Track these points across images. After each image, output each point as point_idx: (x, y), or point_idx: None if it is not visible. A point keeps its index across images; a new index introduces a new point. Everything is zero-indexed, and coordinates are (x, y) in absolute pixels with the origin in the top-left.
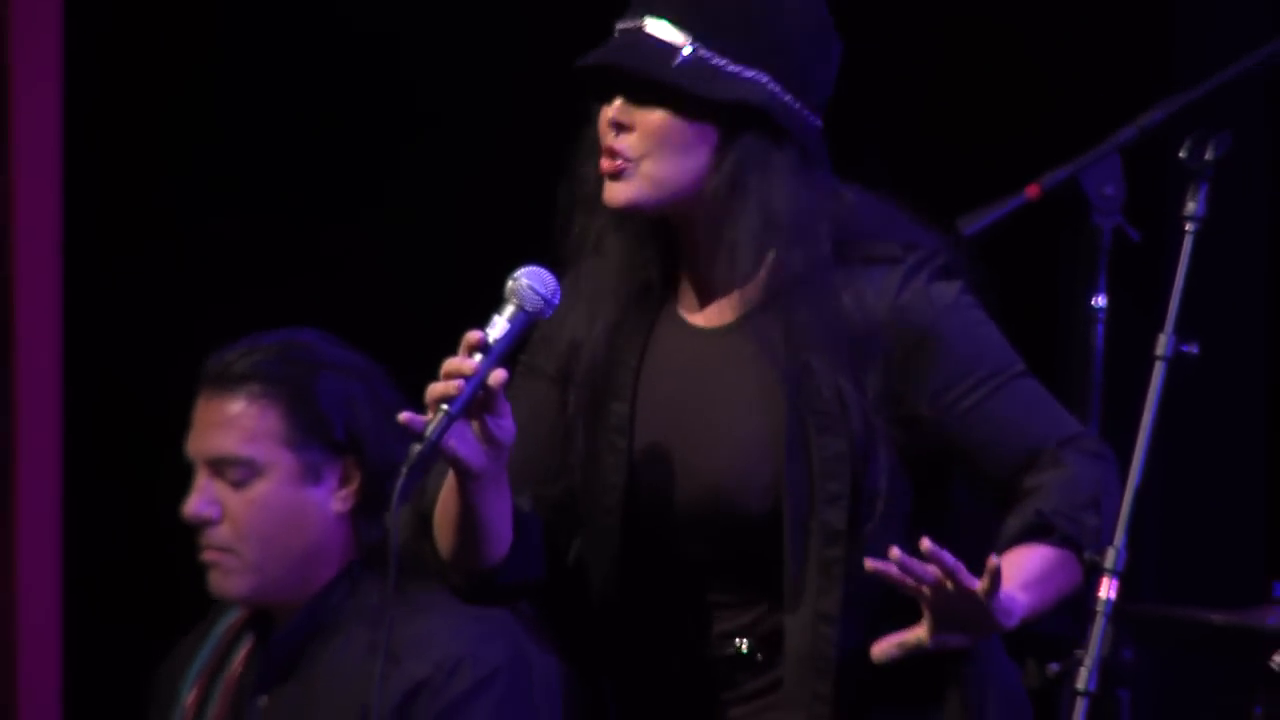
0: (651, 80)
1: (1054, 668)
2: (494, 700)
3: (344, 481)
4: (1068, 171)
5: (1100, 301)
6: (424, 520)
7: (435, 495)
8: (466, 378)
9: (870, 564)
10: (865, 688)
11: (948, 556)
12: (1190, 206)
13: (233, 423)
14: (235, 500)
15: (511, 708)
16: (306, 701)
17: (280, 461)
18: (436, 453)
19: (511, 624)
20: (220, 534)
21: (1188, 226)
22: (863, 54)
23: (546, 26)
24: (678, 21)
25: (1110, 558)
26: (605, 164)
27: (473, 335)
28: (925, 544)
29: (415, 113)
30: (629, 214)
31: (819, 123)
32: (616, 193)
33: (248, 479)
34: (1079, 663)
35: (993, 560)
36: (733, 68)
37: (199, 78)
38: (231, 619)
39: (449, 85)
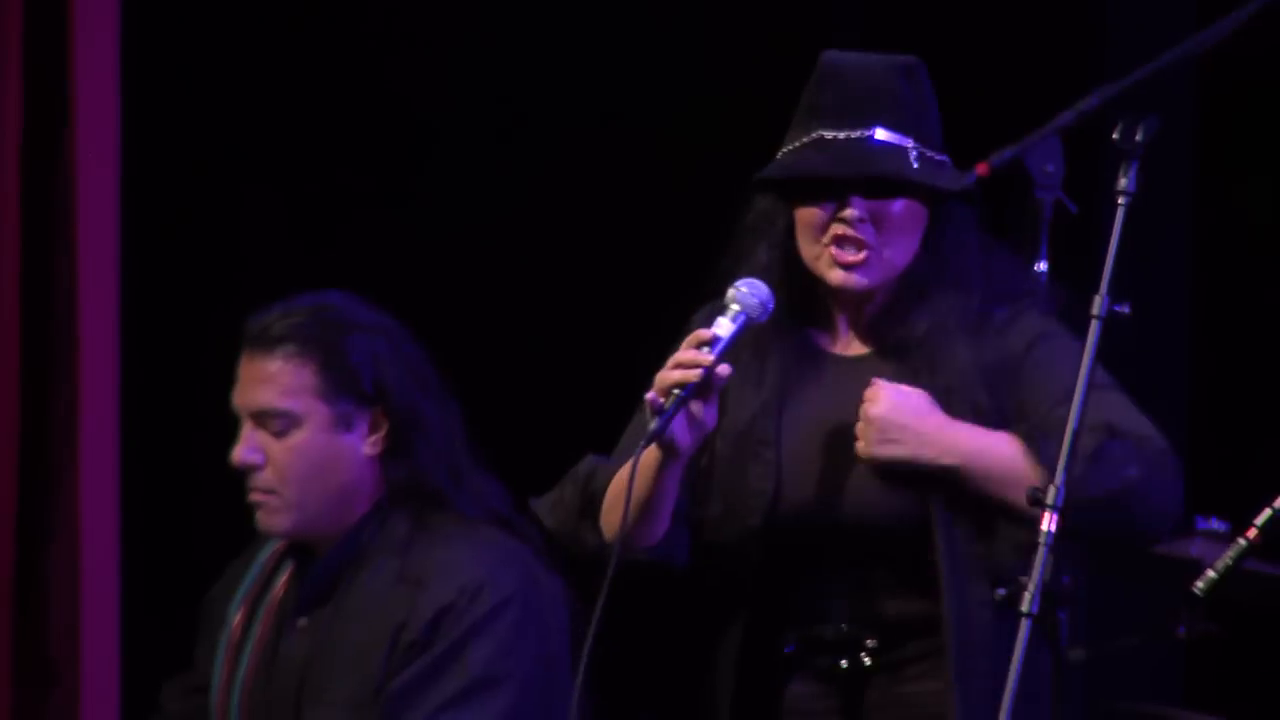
0: (899, 180)
1: (1000, 592)
2: (511, 620)
3: (373, 429)
4: (1013, 151)
5: (1042, 266)
6: (590, 501)
7: (606, 481)
8: (698, 368)
9: None
10: (1001, 662)
11: None
12: (1122, 182)
13: (273, 379)
14: (277, 448)
15: (526, 626)
16: (340, 622)
17: (316, 412)
18: (665, 429)
19: (523, 551)
20: (265, 478)
21: (1120, 200)
22: (819, 47)
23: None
24: (898, 124)
25: (1051, 494)
26: (840, 254)
27: (704, 332)
28: None
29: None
30: (850, 293)
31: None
32: (856, 280)
33: (287, 429)
34: (1023, 588)
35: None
36: (937, 156)
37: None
38: (274, 547)
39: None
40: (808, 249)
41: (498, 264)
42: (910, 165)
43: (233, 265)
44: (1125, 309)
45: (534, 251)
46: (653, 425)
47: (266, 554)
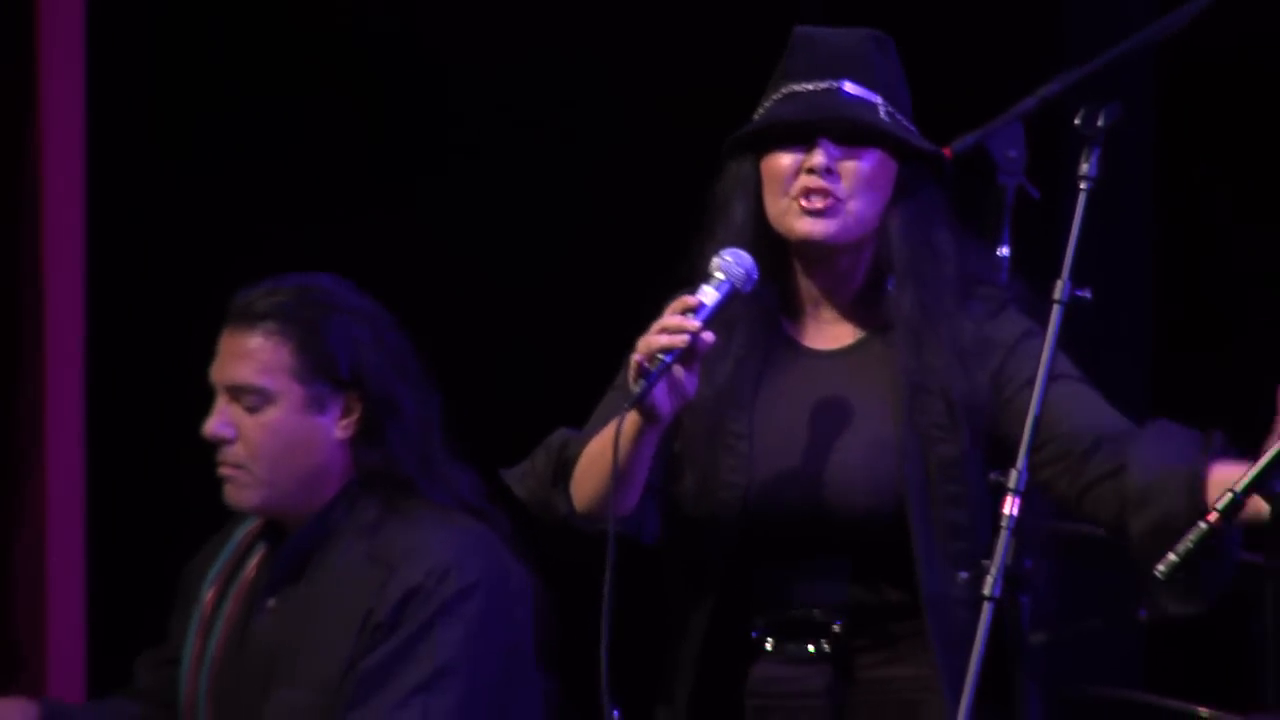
0: (868, 129)
1: (964, 576)
2: (477, 605)
3: (346, 412)
4: (976, 137)
5: (1005, 251)
6: (563, 469)
7: (580, 450)
8: (684, 333)
9: None
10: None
11: None
12: (1084, 168)
13: (250, 355)
14: (249, 423)
15: (492, 613)
16: (309, 603)
17: (290, 392)
18: (650, 393)
19: (492, 538)
20: (235, 452)
21: (1082, 185)
22: (784, 33)
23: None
24: (867, 82)
25: (1013, 478)
26: (805, 203)
27: (690, 299)
28: None
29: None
30: (806, 247)
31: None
32: (821, 227)
33: (260, 405)
34: (985, 571)
35: None
36: (905, 121)
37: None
38: (248, 527)
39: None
40: (774, 203)
41: (481, 256)
42: (880, 118)
43: (199, 258)
44: (1087, 294)
45: (520, 246)
46: (636, 389)
47: (242, 533)
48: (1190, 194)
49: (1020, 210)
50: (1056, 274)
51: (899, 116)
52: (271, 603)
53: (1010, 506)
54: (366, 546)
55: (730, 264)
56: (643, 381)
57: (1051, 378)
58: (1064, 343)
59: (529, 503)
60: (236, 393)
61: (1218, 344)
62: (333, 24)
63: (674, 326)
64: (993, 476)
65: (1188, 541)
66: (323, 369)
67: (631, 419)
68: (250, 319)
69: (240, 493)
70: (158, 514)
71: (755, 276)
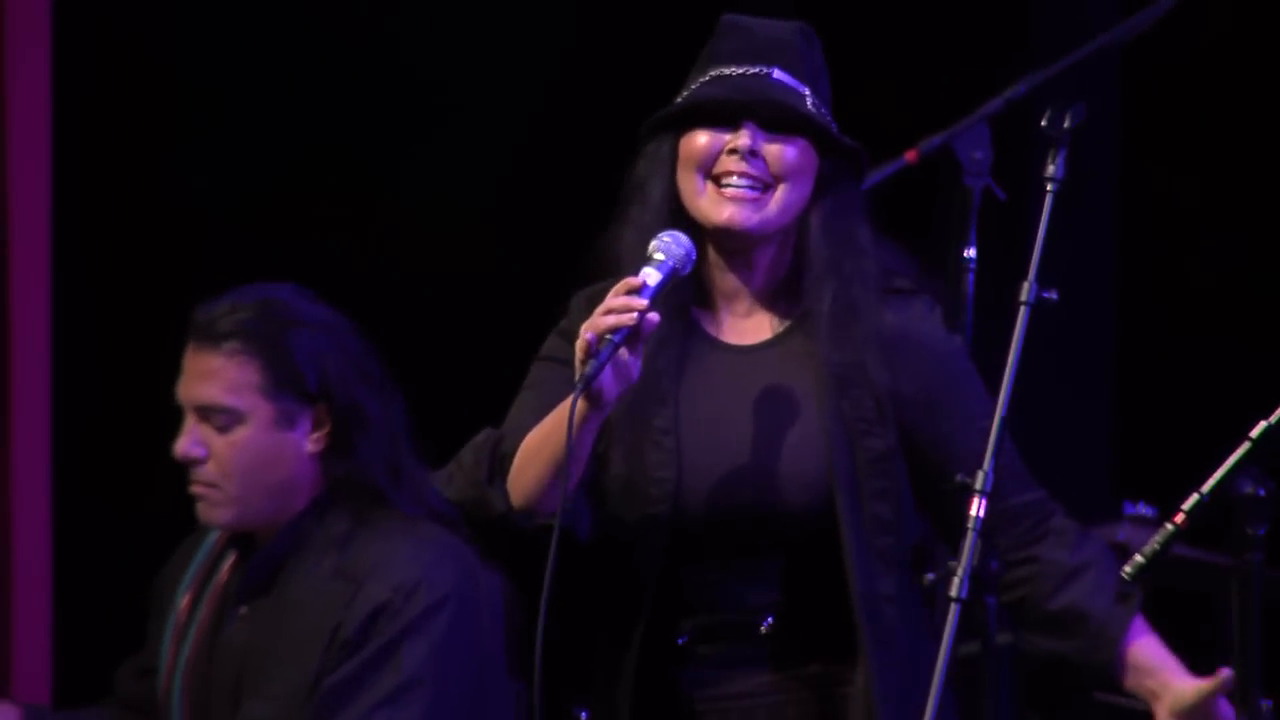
0: (796, 115)
1: (930, 577)
2: (445, 619)
3: (316, 426)
4: (942, 138)
5: (971, 253)
6: (500, 464)
7: (516, 444)
8: (631, 312)
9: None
10: (913, 659)
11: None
12: (1050, 169)
13: (217, 375)
14: (220, 443)
15: (461, 625)
16: (279, 614)
17: (259, 409)
18: (598, 376)
19: (462, 548)
20: (207, 472)
21: (1048, 186)
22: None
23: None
24: (795, 73)
25: (980, 479)
26: (729, 190)
27: (634, 280)
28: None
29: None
30: (725, 235)
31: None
32: (741, 216)
33: (230, 425)
34: (952, 573)
35: (1224, 672)
36: (828, 114)
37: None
38: (219, 533)
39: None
40: (689, 185)
41: (441, 258)
42: (805, 105)
43: (167, 260)
44: (1053, 295)
45: (478, 247)
46: (586, 370)
47: (214, 537)
48: (1156, 195)
49: (987, 211)
50: (1023, 275)
51: (824, 110)
52: (243, 611)
53: (977, 508)
54: (335, 560)
55: (669, 244)
56: (592, 362)
57: (972, 421)
58: (1030, 340)
59: (461, 503)
60: (205, 412)
61: (1182, 345)
62: (308, 26)
63: (620, 306)
64: (959, 478)
65: (1155, 543)
66: (290, 384)
67: (580, 405)
68: (214, 338)
69: (213, 511)
70: (125, 521)
71: (694, 257)
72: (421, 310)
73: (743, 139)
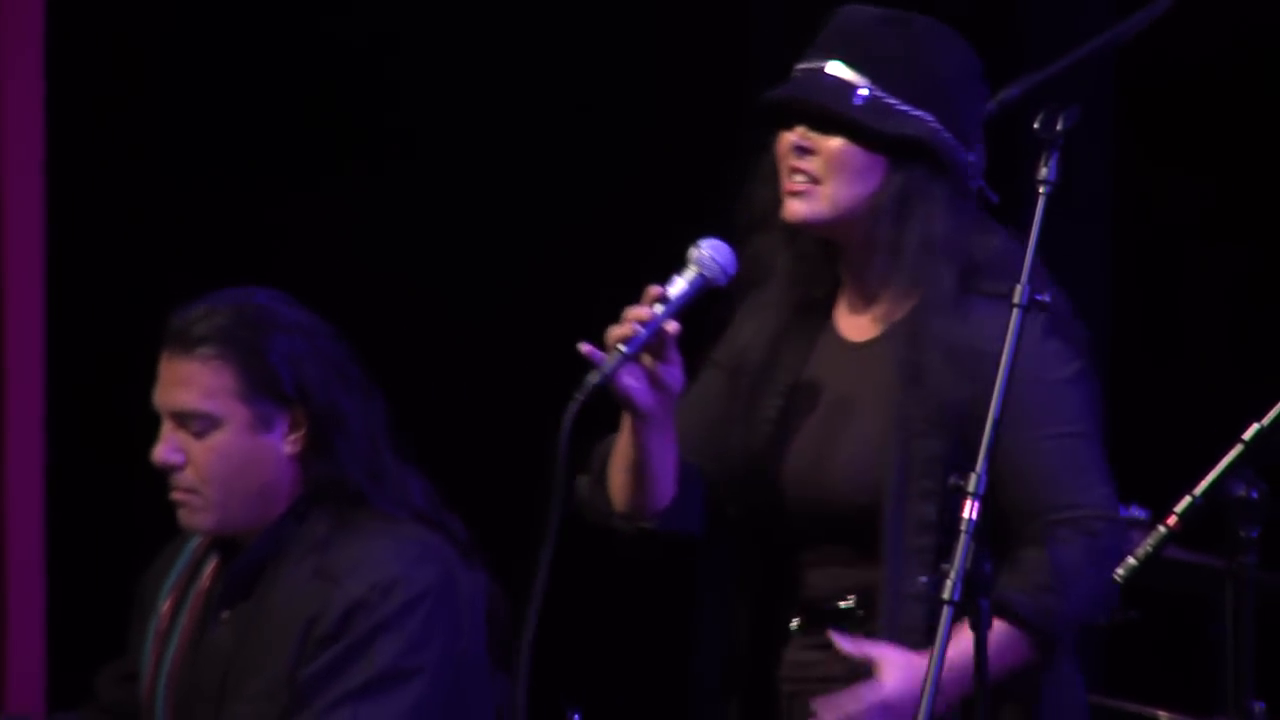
0: (832, 113)
1: (923, 580)
2: (421, 617)
3: (293, 428)
4: None
5: None
6: (602, 468)
7: (609, 450)
8: (644, 324)
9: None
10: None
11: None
12: (1043, 171)
13: (192, 380)
14: (197, 448)
15: (438, 622)
16: (260, 617)
17: (235, 414)
18: (609, 386)
19: (443, 547)
20: (185, 477)
21: (1041, 189)
22: (738, 42)
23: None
24: (855, 65)
25: (972, 481)
26: (789, 183)
27: (654, 289)
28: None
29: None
30: (801, 230)
31: (973, 158)
32: (796, 209)
33: (207, 430)
34: (945, 575)
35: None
36: (902, 107)
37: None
38: (201, 537)
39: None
40: (779, 185)
41: (430, 259)
42: (849, 102)
43: (158, 260)
44: (1046, 298)
45: (477, 244)
46: (590, 377)
47: (196, 542)
48: (1149, 199)
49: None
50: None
51: (886, 99)
52: (225, 615)
53: (970, 510)
54: (314, 562)
55: (706, 256)
56: (596, 370)
57: (1035, 431)
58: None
59: (582, 504)
60: (182, 418)
61: (1175, 350)
62: (302, 27)
63: (631, 316)
64: (952, 480)
65: (1147, 545)
66: (266, 388)
67: (625, 419)
68: (189, 343)
69: (194, 516)
70: (117, 523)
71: (732, 271)
72: (417, 310)
73: (790, 138)
